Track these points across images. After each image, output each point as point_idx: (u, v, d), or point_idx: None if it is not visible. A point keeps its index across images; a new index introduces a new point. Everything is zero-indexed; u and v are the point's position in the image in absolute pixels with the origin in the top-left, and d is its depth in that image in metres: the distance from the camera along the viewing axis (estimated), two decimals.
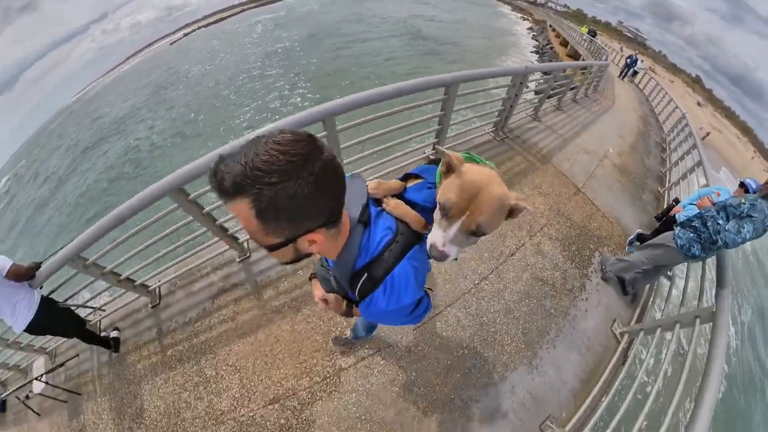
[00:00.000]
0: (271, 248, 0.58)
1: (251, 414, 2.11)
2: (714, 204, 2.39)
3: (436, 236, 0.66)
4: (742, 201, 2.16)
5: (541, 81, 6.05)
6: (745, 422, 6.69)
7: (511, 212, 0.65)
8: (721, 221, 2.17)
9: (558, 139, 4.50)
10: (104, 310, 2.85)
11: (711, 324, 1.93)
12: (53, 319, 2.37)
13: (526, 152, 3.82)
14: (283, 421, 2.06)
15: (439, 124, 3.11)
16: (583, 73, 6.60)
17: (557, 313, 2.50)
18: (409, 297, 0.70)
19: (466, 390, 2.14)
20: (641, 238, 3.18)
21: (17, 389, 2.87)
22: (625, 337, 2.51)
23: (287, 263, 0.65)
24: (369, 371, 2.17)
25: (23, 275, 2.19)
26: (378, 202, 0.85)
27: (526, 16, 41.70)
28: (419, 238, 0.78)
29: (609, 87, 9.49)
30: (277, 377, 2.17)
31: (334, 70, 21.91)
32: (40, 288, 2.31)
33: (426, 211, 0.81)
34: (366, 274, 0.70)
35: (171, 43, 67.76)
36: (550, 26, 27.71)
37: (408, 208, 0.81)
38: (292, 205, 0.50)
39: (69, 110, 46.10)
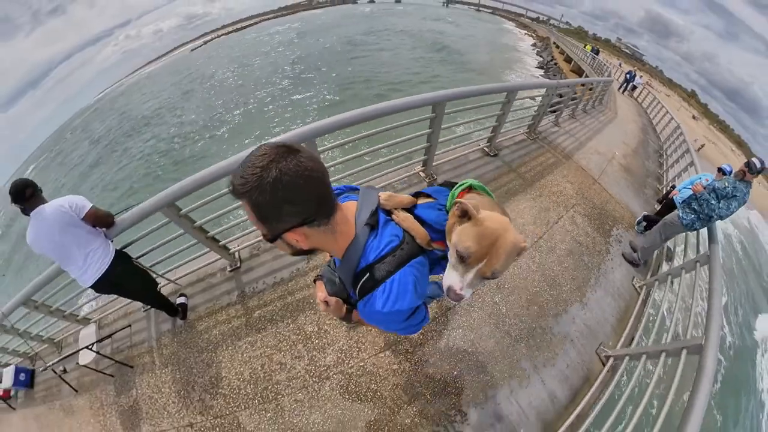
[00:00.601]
0: (269, 240, 0.68)
1: (361, 364, 2.15)
2: (705, 188, 3.17)
3: (453, 280, 0.69)
4: (726, 184, 2.98)
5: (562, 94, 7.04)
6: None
7: (519, 253, 0.69)
8: (713, 201, 2.95)
9: (575, 141, 5.45)
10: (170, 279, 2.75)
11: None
12: (126, 275, 2.16)
13: (553, 150, 4.75)
14: (396, 366, 2.14)
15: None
16: (590, 89, 7.62)
17: (593, 266, 3.25)
18: (406, 303, 0.72)
19: (543, 319, 2.65)
20: (647, 218, 4.07)
21: (63, 359, 2.67)
22: (644, 289, 3.27)
23: (294, 254, 0.75)
24: (470, 308, 2.55)
25: (102, 220, 2.01)
26: (388, 213, 0.88)
27: (529, 33, 43.30)
28: (423, 252, 0.82)
29: (612, 100, 10.55)
30: None
31: (352, 79, 23.25)
32: (111, 242, 2.12)
33: (434, 231, 0.85)
34: (368, 274, 0.74)
35: (191, 50, 70.42)
36: (554, 43, 29.11)
37: (416, 222, 0.84)
38: (263, 210, 0.61)
39: (92, 108, 49.22)
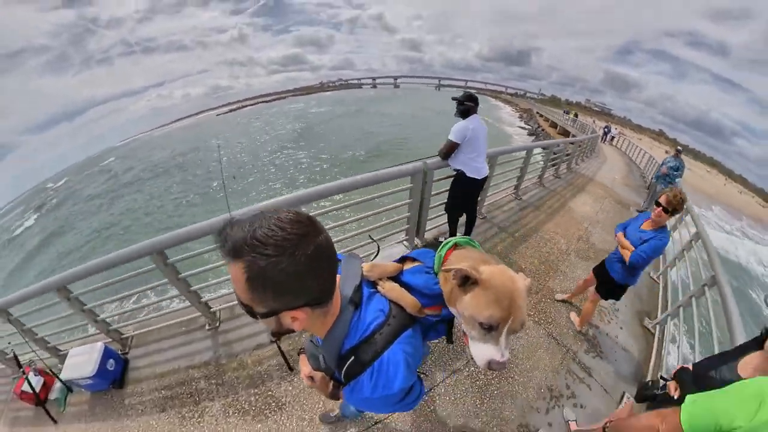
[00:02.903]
0: (256, 315, 0.59)
1: None
2: (669, 168, 6.31)
3: (491, 353, 0.66)
4: (676, 163, 6.26)
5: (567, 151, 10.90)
6: None
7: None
8: (674, 173, 6.14)
9: (590, 174, 8.98)
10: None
11: None
12: None
13: (580, 179, 8.18)
14: None
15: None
16: (580, 145, 11.50)
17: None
18: (398, 384, 0.67)
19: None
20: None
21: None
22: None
23: (274, 334, 0.65)
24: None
25: None
26: (373, 284, 0.83)
27: (515, 108, 51.54)
28: (414, 321, 0.78)
29: (599, 149, 14.64)
30: None
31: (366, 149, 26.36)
32: None
33: (424, 296, 0.82)
34: (353, 357, 0.69)
35: (217, 115, 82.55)
36: (537, 113, 35.62)
37: (403, 291, 0.81)
38: (279, 280, 0.53)
39: (115, 150, 57.31)
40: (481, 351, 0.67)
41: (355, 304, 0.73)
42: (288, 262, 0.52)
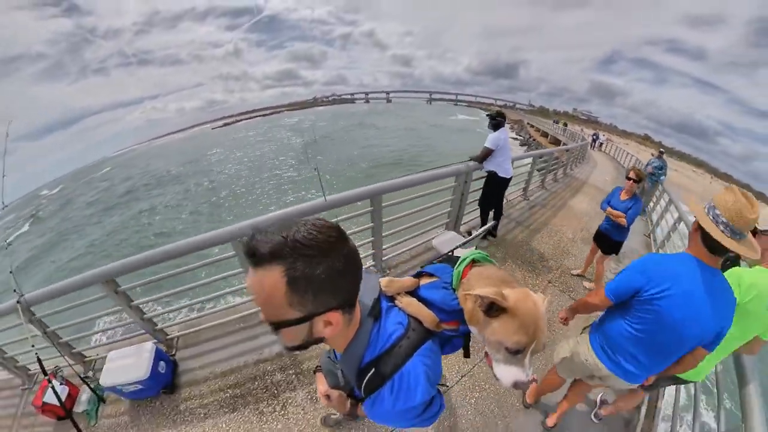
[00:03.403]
0: (287, 324, 0.57)
1: None
2: (653, 168, 7.28)
3: (517, 374, 0.68)
4: (660, 162, 7.11)
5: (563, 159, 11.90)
6: None
7: None
8: (658, 171, 6.96)
9: (584, 178, 9.90)
10: None
11: None
12: None
13: (575, 182, 9.04)
14: None
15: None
16: (573, 153, 12.52)
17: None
18: (419, 397, 0.68)
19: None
20: None
21: None
22: None
23: (294, 348, 0.63)
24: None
25: None
26: (391, 299, 0.85)
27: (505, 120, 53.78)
28: (431, 335, 0.79)
29: (590, 155, 15.75)
30: None
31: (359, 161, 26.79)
32: None
33: (442, 311, 0.82)
34: (373, 370, 0.70)
35: (212, 128, 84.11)
36: (528, 123, 37.19)
37: (421, 305, 0.82)
38: (321, 279, 0.54)
39: (110, 161, 57.29)
40: (508, 373, 0.69)
41: (375, 317, 0.75)
42: (328, 262, 0.54)
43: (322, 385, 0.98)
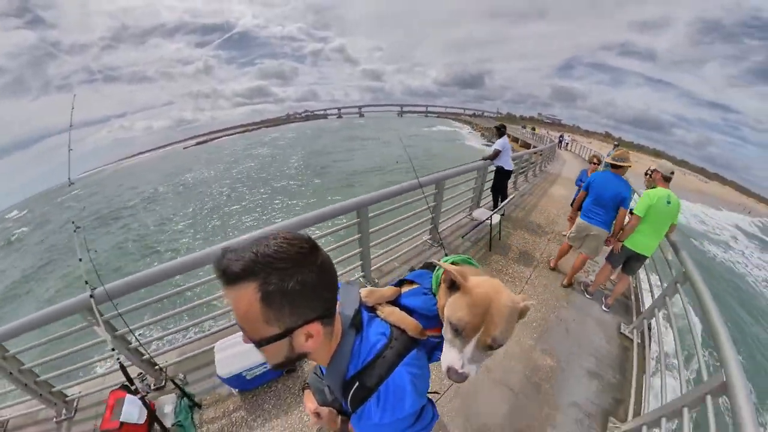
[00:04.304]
0: (266, 341, 0.56)
1: None
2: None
3: (452, 358, 0.65)
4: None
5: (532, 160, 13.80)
6: None
7: (521, 314, 0.65)
8: None
9: (556, 172, 11.76)
10: None
11: None
12: None
13: (550, 176, 10.84)
14: None
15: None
16: (540, 154, 14.50)
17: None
18: (407, 408, 0.65)
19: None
20: None
21: None
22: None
23: (278, 365, 0.62)
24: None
25: None
26: (372, 309, 0.83)
27: (475, 128, 57.01)
28: (416, 343, 0.76)
29: (559, 154, 18.03)
30: None
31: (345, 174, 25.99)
32: None
33: (425, 318, 0.80)
34: (358, 383, 0.67)
35: (184, 148, 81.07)
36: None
37: (403, 314, 0.80)
38: (296, 291, 0.53)
39: (76, 182, 53.11)
40: (446, 356, 0.66)
41: (357, 329, 0.73)
42: (301, 274, 0.54)
43: (310, 402, 0.97)
